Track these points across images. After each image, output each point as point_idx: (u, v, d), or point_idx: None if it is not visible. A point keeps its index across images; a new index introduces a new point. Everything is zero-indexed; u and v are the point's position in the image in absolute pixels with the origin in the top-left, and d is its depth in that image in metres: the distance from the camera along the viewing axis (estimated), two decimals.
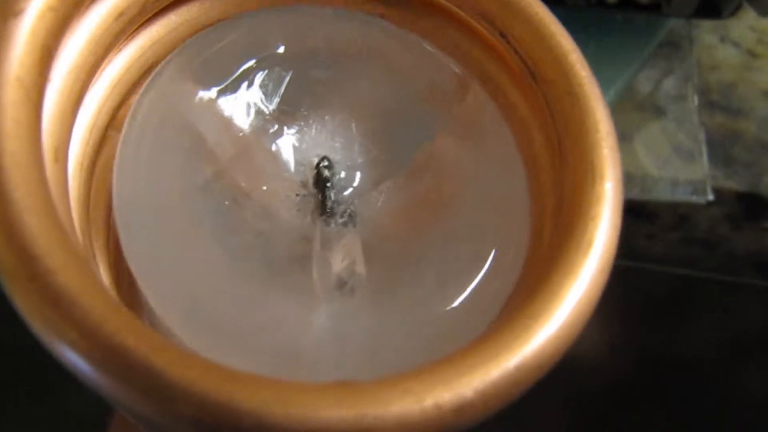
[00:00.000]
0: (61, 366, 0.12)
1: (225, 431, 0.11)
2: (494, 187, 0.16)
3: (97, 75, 0.16)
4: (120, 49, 0.16)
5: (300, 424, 0.11)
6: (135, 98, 0.17)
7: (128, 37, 0.17)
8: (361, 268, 0.16)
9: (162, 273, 0.15)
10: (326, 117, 0.18)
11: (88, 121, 0.15)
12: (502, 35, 0.16)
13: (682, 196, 0.33)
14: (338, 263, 0.16)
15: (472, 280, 0.15)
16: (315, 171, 0.16)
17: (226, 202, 0.16)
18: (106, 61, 0.16)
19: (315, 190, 0.16)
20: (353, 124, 0.18)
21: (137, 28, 0.17)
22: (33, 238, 0.11)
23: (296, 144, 0.17)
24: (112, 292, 0.17)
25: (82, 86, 0.14)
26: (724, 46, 0.39)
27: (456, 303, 0.15)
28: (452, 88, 0.17)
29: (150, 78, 0.16)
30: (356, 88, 0.18)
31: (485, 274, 0.15)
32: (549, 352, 0.12)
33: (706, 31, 0.40)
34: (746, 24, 0.39)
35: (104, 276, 0.17)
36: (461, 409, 0.12)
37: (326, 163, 0.16)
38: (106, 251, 0.17)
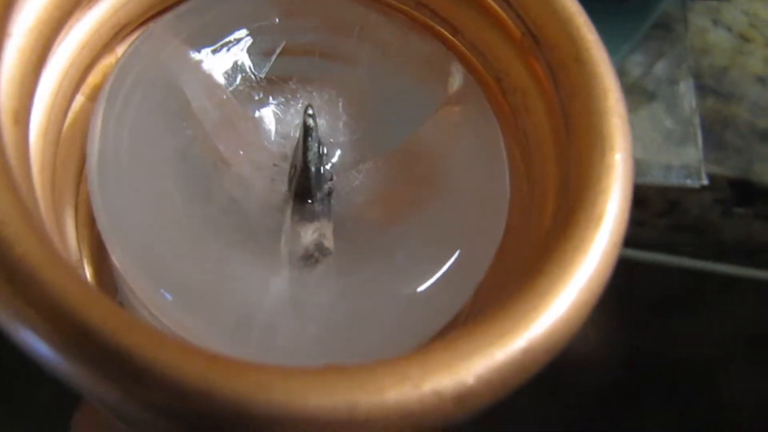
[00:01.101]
0: (20, 351, 0.10)
1: (200, 420, 0.10)
2: (473, 178, 0.16)
3: (62, 34, 0.14)
4: (89, 7, 0.15)
5: (285, 413, 0.10)
6: (105, 60, 0.16)
7: None
8: (329, 243, 0.15)
9: (130, 228, 0.14)
10: (314, 93, 0.17)
11: (52, 85, 0.14)
12: None
13: (675, 180, 0.33)
14: (307, 236, 0.15)
15: (441, 267, 0.15)
16: (300, 123, 0.15)
17: (205, 167, 0.15)
18: (73, 18, 0.14)
19: (299, 141, 0.15)
20: (340, 103, 0.17)
21: None
22: None
23: (280, 115, 0.17)
24: (80, 267, 0.15)
25: (46, 44, 0.13)
26: (716, 29, 0.39)
27: (422, 287, 0.14)
28: (444, 78, 0.17)
29: (140, 36, 0.16)
30: (348, 69, 0.17)
31: (454, 262, 0.15)
32: (558, 333, 0.11)
33: (697, 14, 0.39)
34: (738, 7, 0.39)
35: (72, 248, 0.15)
36: (463, 396, 0.10)
37: (311, 111, 0.15)
38: (74, 221, 0.16)
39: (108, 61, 0.16)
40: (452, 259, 0.15)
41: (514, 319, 0.11)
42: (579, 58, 0.14)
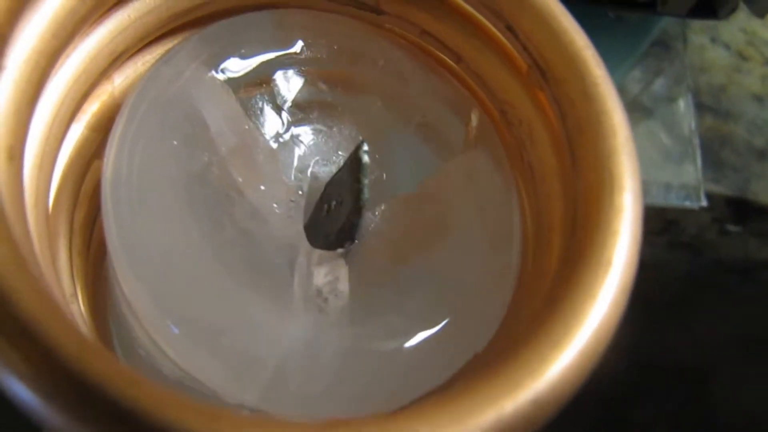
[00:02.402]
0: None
1: None
2: (485, 226, 0.16)
3: (59, 63, 0.14)
4: (87, 34, 0.15)
5: None
6: (102, 88, 0.16)
7: (96, 20, 0.15)
8: (344, 286, 0.15)
9: (139, 253, 0.13)
10: (334, 128, 0.17)
11: (48, 115, 0.14)
12: (510, 29, 0.15)
13: (675, 201, 0.33)
14: (321, 277, 0.15)
15: (451, 314, 0.14)
16: (352, 156, 0.15)
17: (219, 195, 0.15)
18: (70, 47, 0.14)
19: (349, 179, 0.15)
20: (365, 145, 0.17)
21: (107, 11, 0.15)
22: None
23: (299, 149, 0.16)
24: (73, 298, 0.15)
25: (42, 75, 0.13)
26: (714, 47, 0.39)
27: (432, 334, 0.14)
28: (463, 123, 0.16)
29: (162, 57, 0.15)
30: (369, 106, 0.17)
31: (464, 311, 0.15)
32: (567, 384, 0.11)
33: (696, 32, 0.39)
34: (737, 25, 0.39)
35: (65, 279, 0.15)
36: None
37: (366, 147, 0.14)
38: (68, 251, 0.15)
39: (104, 88, 0.16)
40: (460, 311, 0.14)
41: (522, 372, 0.11)
42: (587, 94, 0.14)
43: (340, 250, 0.15)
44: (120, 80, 0.16)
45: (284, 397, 0.13)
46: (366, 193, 0.14)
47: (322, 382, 0.13)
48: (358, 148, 0.14)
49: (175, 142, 0.15)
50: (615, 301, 0.12)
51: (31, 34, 0.13)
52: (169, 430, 0.09)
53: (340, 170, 0.16)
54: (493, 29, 0.16)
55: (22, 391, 0.09)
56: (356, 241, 0.15)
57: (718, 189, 0.36)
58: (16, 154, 0.12)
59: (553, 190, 0.15)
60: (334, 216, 0.15)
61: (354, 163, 0.14)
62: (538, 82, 0.15)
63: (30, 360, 0.09)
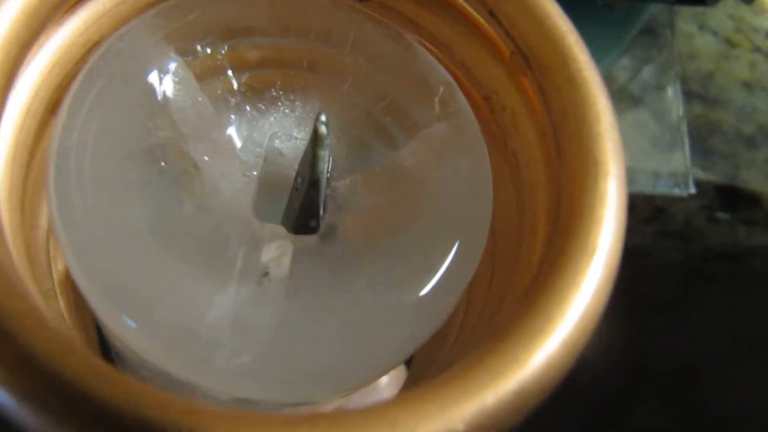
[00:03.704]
0: None
1: None
2: (455, 204, 0.15)
3: (32, 53, 0.14)
4: (60, 23, 0.14)
5: None
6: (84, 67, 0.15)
7: (70, 8, 0.15)
8: (286, 263, 0.14)
9: (85, 229, 0.13)
10: (297, 102, 0.16)
11: (21, 106, 0.13)
12: (492, 14, 0.15)
13: (663, 189, 0.32)
14: (269, 253, 0.14)
15: (403, 292, 0.14)
16: (312, 129, 0.14)
17: (173, 170, 0.14)
18: (43, 36, 0.14)
19: (309, 153, 0.14)
20: (322, 116, 0.16)
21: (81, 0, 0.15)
22: None
23: (257, 124, 0.16)
24: (51, 293, 0.15)
25: (13, 66, 0.12)
26: (702, 34, 0.39)
27: (377, 321, 0.14)
28: (435, 95, 0.16)
29: (117, 32, 0.15)
30: (335, 81, 0.17)
31: (415, 299, 0.14)
32: (551, 373, 0.11)
33: (683, 19, 0.39)
34: (725, 12, 0.39)
35: (43, 274, 0.15)
36: None
37: (323, 118, 0.14)
38: (46, 244, 0.15)
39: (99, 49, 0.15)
40: (415, 294, 0.14)
41: (505, 361, 0.11)
42: (571, 79, 0.14)
43: (315, 234, 0.15)
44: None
45: (215, 371, 0.13)
46: (321, 166, 0.13)
47: (250, 356, 0.13)
48: (316, 119, 0.14)
49: (129, 118, 0.14)
50: (599, 288, 0.12)
51: (1, 24, 0.12)
52: (145, 427, 0.09)
53: (305, 151, 0.15)
54: (476, 15, 0.15)
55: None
56: (324, 217, 0.15)
57: (707, 176, 0.36)
58: None
59: (538, 177, 0.15)
60: (299, 193, 0.15)
61: (312, 134, 0.14)
62: (521, 68, 0.14)
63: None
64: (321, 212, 0.14)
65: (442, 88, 0.16)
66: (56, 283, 0.15)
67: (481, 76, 0.16)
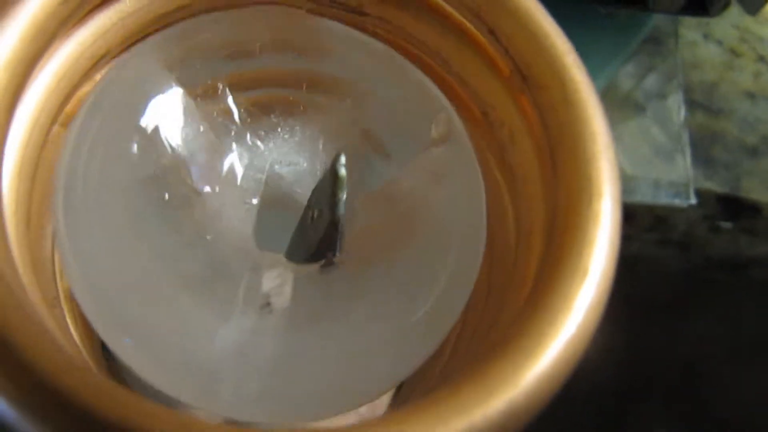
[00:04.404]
0: None
1: None
2: (449, 231, 0.15)
3: (39, 67, 0.14)
4: (67, 37, 0.15)
5: None
6: (84, 89, 0.16)
7: (77, 23, 0.15)
8: (287, 293, 0.15)
9: (90, 257, 0.13)
10: (296, 127, 0.16)
11: (28, 119, 0.14)
12: (492, 32, 0.15)
13: (664, 199, 0.33)
14: (269, 281, 0.14)
15: (400, 318, 0.14)
16: (331, 168, 0.14)
17: (174, 199, 0.15)
18: (51, 49, 0.14)
19: (328, 190, 0.14)
20: (321, 142, 0.17)
21: (88, 13, 0.15)
22: None
23: (258, 150, 0.16)
24: (56, 302, 0.15)
25: (20, 82, 0.13)
26: (706, 43, 0.39)
27: (375, 347, 0.14)
28: (431, 118, 0.16)
29: (120, 59, 0.15)
30: (333, 106, 0.17)
31: (412, 324, 0.14)
32: (540, 393, 0.11)
33: (688, 28, 0.39)
34: (729, 22, 0.39)
35: (48, 283, 0.15)
36: None
37: (342, 160, 0.14)
38: (51, 254, 0.15)
39: (86, 90, 0.16)
40: (411, 321, 0.14)
41: (495, 380, 0.11)
42: (568, 100, 0.14)
43: (321, 262, 0.15)
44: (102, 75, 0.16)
45: (218, 401, 0.13)
46: (341, 208, 0.14)
47: (254, 386, 0.13)
48: (336, 160, 0.14)
49: (132, 147, 0.14)
50: (590, 309, 0.12)
51: (9, 38, 0.13)
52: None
53: (321, 181, 0.16)
54: (476, 32, 0.16)
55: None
56: (337, 254, 0.15)
57: (709, 186, 0.36)
58: None
59: (535, 193, 0.15)
60: (316, 226, 0.15)
61: (332, 176, 0.14)
62: (519, 86, 0.15)
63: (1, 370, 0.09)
64: (339, 248, 0.15)
65: (438, 112, 0.16)
66: (61, 292, 0.15)
67: (479, 91, 0.16)
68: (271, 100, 0.17)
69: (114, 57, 0.16)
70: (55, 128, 0.15)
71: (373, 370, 0.14)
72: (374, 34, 0.17)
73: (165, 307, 0.13)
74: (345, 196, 0.14)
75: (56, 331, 0.13)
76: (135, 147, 0.15)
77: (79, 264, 0.13)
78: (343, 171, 0.14)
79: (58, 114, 0.15)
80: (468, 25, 0.16)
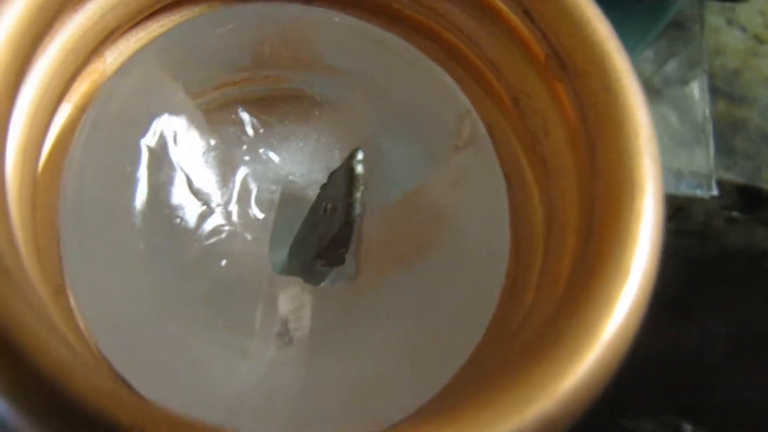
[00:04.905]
0: None
1: None
2: (474, 248, 0.15)
3: (45, 41, 0.13)
4: (75, 10, 0.14)
5: None
6: (93, 66, 0.15)
7: None
8: (306, 318, 0.14)
9: (103, 295, 0.13)
10: (311, 135, 0.15)
11: (33, 97, 0.13)
12: (526, 13, 0.14)
13: (685, 189, 0.32)
14: (286, 304, 0.14)
15: (424, 337, 0.14)
16: (347, 164, 0.13)
17: (185, 221, 0.14)
18: (57, 23, 0.13)
19: (343, 187, 0.13)
20: (337, 150, 0.16)
21: None
22: None
23: (272, 162, 0.15)
24: (62, 291, 0.14)
25: (25, 58, 0.12)
26: (730, 29, 0.37)
27: (394, 372, 0.13)
28: (452, 123, 0.15)
29: (122, 68, 0.14)
30: (349, 110, 0.16)
31: (441, 341, 0.14)
32: (580, 401, 0.10)
33: (711, 13, 0.38)
34: (755, 7, 0.37)
35: (55, 271, 0.14)
36: None
37: (360, 156, 0.13)
38: (57, 240, 0.15)
39: (95, 66, 0.15)
40: (438, 340, 0.14)
41: (533, 388, 0.10)
42: (610, 89, 0.13)
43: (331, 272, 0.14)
44: (112, 58, 0.15)
45: None
46: (357, 208, 0.13)
47: (275, 420, 0.12)
48: (352, 156, 0.13)
49: (138, 169, 0.14)
50: (632, 313, 0.11)
51: (12, 12, 0.12)
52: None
53: (336, 171, 0.14)
54: (509, 13, 0.15)
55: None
56: (347, 255, 0.14)
57: (729, 176, 0.35)
58: None
59: (568, 185, 0.14)
60: (329, 221, 0.14)
61: (348, 173, 0.13)
62: (556, 72, 0.14)
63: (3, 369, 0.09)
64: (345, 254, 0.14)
65: (460, 115, 0.15)
66: (67, 278, 0.15)
67: (511, 77, 0.15)
68: (282, 109, 0.16)
69: (125, 32, 0.15)
70: (63, 105, 0.14)
71: (394, 394, 0.13)
72: (404, 16, 0.16)
73: (179, 346, 0.13)
74: (361, 195, 0.13)
75: (60, 323, 0.12)
76: (141, 168, 0.14)
77: (93, 304, 0.13)
78: (360, 168, 0.13)
79: (65, 91, 0.14)
80: (501, 5, 0.15)
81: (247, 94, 0.16)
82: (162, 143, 0.14)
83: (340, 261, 0.14)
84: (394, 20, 0.16)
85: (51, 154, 0.14)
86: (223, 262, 0.14)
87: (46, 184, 0.14)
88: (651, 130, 0.13)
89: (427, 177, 0.15)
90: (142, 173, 0.14)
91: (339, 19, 0.16)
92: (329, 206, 0.14)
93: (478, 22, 0.15)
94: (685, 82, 0.35)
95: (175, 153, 0.14)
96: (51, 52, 0.13)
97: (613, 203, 0.12)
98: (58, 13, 0.13)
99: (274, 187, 0.15)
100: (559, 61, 0.14)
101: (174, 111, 0.14)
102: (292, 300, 0.14)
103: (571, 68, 0.13)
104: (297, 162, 0.16)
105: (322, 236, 0.14)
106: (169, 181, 0.14)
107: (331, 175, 0.15)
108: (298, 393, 0.13)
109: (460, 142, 0.15)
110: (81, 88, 0.15)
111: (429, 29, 0.16)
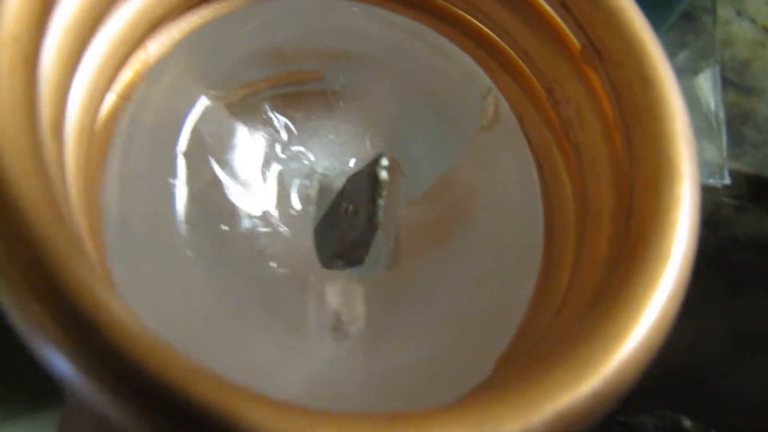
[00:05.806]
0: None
1: None
2: (509, 223, 0.15)
3: (97, 31, 0.13)
4: (124, 2, 0.14)
5: None
6: (136, 56, 0.15)
7: None
8: (360, 307, 0.14)
9: (153, 304, 0.13)
10: (340, 126, 0.15)
11: (86, 86, 0.13)
12: (564, 6, 0.14)
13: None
14: (335, 297, 0.14)
15: (473, 329, 0.14)
16: (371, 169, 0.13)
17: (223, 214, 0.14)
18: (108, 15, 0.14)
19: (366, 191, 0.13)
20: (367, 140, 0.16)
21: None
22: (48, 254, 0.09)
23: (306, 158, 0.16)
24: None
25: (82, 44, 0.12)
26: (739, 21, 0.38)
27: (452, 342, 0.14)
28: (477, 104, 0.16)
29: (152, 72, 0.14)
30: (373, 99, 0.16)
31: (488, 316, 0.14)
32: (627, 378, 0.11)
33: (721, 4, 0.38)
34: None
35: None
36: None
37: (385, 162, 0.13)
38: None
39: (139, 56, 0.15)
40: (485, 320, 0.14)
41: (583, 366, 0.11)
42: (645, 78, 0.13)
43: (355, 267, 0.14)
44: (154, 48, 0.15)
45: None
46: (380, 216, 0.13)
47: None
48: (376, 162, 0.13)
49: (173, 164, 0.14)
50: (673, 293, 0.12)
51: (71, 2, 0.12)
52: (235, 425, 0.09)
53: (360, 172, 0.14)
54: (545, 4, 0.15)
55: (66, 368, 0.09)
56: (367, 256, 0.14)
57: (738, 166, 0.36)
58: (58, 130, 0.12)
59: (603, 173, 0.14)
60: (351, 223, 0.14)
61: (371, 179, 0.13)
62: (592, 62, 0.14)
63: (73, 339, 0.09)
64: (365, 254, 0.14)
65: (482, 94, 0.15)
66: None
67: (544, 67, 0.16)
68: (310, 102, 0.16)
69: (167, 23, 0.15)
70: (108, 95, 0.15)
71: (448, 377, 0.13)
72: (435, 6, 0.16)
73: (239, 351, 0.13)
74: (384, 202, 0.13)
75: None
76: (179, 177, 0.14)
77: (146, 313, 0.13)
78: (384, 174, 0.13)
79: (112, 81, 0.14)
80: None
81: (274, 91, 0.16)
82: (196, 149, 0.14)
83: (359, 262, 0.15)
84: (425, 12, 0.17)
85: (97, 141, 0.15)
86: (271, 262, 0.14)
87: (93, 174, 0.15)
88: (687, 118, 0.13)
89: (455, 159, 0.16)
90: (181, 181, 0.14)
91: (358, 9, 0.16)
92: (351, 208, 0.14)
93: (512, 13, 0.16)
94: (695, 72, 0.36)
95: (210, 158, 0.14)
96: (100, 43, 0.14)
97: (652, 188, 0.12)
98: (110, 4, 0.13)
99: (309, 182, 0.15)
100: (595, 51, 0.14)
101: (205, 116, 0.14)
102: (341, 293, 0.14)
103: (607, 58, 0.14)
104: (329, 155, 0.16)
105: (343, 237, 0.14)
106: (208, 187, 0.14)
107: (353, 177, 0.15)
108: (362, 385, 0.13)
109: (485, 120, 0.16)
110: (124, 77, 0.15)
111: (462, 20, 0.16)
